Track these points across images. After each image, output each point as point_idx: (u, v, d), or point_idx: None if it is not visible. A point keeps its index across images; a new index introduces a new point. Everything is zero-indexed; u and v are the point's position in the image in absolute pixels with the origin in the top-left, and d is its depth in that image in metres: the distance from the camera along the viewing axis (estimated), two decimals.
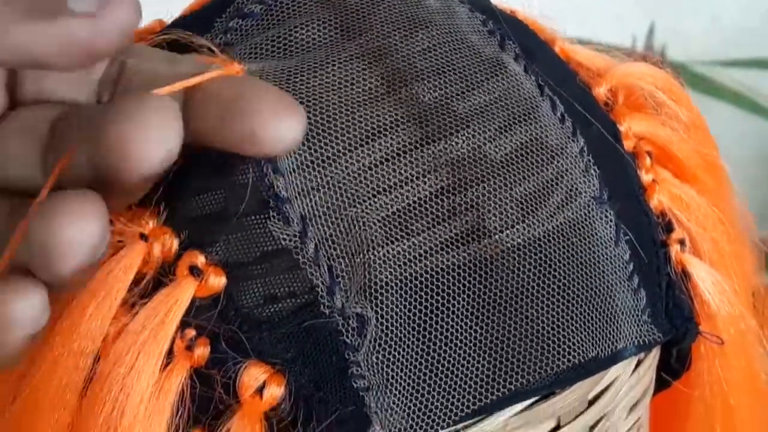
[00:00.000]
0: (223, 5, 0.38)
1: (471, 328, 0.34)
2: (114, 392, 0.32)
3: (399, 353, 0.33)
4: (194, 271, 0.33)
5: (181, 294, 0.33)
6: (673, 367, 0.42)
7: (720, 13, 1.30)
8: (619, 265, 0.37)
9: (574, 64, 0.43)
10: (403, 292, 0.33)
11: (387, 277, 0.33)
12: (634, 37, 1.22)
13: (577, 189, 0.37)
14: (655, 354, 0.41)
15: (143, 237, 0.33)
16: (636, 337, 0.37)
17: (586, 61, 0.43)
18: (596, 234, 0.37)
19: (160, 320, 0.32)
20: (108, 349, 0.32)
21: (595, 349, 0.35)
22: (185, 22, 0.40)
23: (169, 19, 0.41)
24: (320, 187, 0.34)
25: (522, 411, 0.35)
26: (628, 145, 0.41)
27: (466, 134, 0.35)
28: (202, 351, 0.33)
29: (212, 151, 0.32)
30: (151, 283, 0.33)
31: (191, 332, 0.33)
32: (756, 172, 1.28)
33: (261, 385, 0.33)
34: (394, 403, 0.33)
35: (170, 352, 0.33)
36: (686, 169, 0.42)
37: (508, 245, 0.35)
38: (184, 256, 0.33)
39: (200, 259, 0.33)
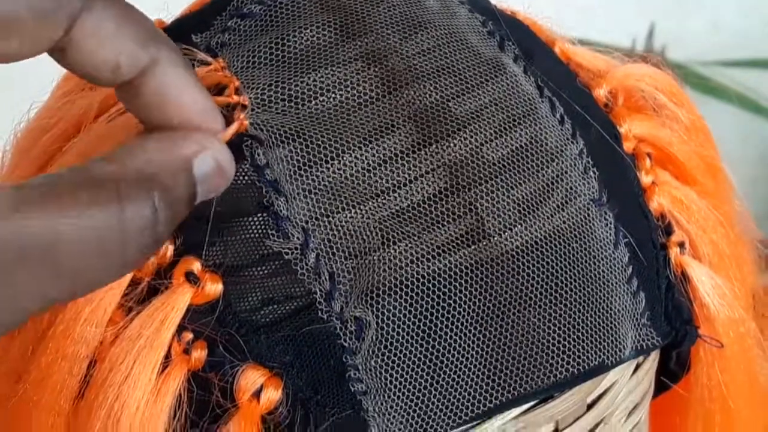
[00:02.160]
0: (222, 4, 0.38)
1: (471, 332, 0.33)
2: (110, 399, 0.31)
3: (398, 357, 0.33)
4: (191, 277, 0.33)
5: (178, 301, 0.32)
6: (672, 370, 0.42)
7: (720, 14, 1.30)
8: (618, 268, 0.37)
9: (574, 65, 0.43)
10: (401, 296, 0.33)
11: (386, 281, 0.33)
12: (634, 38, 1.22)
13: (576, 191, 0.37)
14: (654, 357, 0.40)
15: None
16: (635, 341, 0.37)
17: (586, 62, 0.43)
18: (595, 236, 0.36)
19: (157, 327, 0.32)
20: (104, 355, 0.32)
21: (595, 355, 0.35)
22: (184, 21, 0.40)
23: (169, 18, 0.41)
24: (318, 189, 0.34)
25: (520, 415, 0.35)
26: (628, 146, 0.40)
27: (465, 136, 0.35)
28: (200, 354, 0.33)
29: None
30: (146, 288, 0.33)
31: (188, 335, 0.33)
32: (757, 172, 1.28)
33: (258, 388, 0.33)
34: (392, 407, 0.33)
35: (167, 356, 0.33)
36: (686, 171, 0.42)
37: (507, 247, 0.34)
38: (180, 263, 0.33)
39: (196, 266, 0.33)
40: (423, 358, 0.33)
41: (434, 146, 0.34)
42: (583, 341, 0.35)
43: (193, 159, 0.29)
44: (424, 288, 0.33)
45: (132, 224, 0.27)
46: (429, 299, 0.33)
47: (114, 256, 0.27)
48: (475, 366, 0.34)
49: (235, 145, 0.34)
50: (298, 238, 0.33)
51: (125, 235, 0.27)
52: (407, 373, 0.33)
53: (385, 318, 0.33)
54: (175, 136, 0.30)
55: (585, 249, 0.36)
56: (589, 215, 0.36)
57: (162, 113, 0.30)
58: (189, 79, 0.31)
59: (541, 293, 0.34)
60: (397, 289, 0.33)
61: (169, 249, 0.34)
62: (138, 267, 0.31)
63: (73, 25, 0.28)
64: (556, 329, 0.34)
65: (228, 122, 0.34)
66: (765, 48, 1.27)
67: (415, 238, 0.34)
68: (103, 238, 0.26)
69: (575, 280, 0.35)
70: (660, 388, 0.43)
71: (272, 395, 0.33)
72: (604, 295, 0.36)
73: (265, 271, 0.33)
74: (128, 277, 0.33)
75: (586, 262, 0.36)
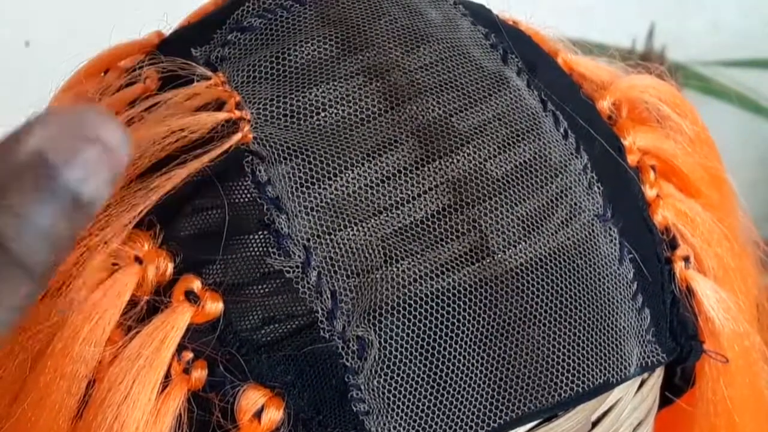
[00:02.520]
0: (222, 18, 0.37)
1: (474, 351, 0.33)
2: (109, 420, 0.31)
3: (400, 377, 0.33)
4: (191, 296, 0.32)
5: (178, 320, 0.32)
6: (676, 385, 0.41)
7: (720, 14, 1.30)
8: (623, 285, 0.36)
9: (577, 76, 0.42)
10: (404, 314, 0.33)
11: (388, 299, 0.33)
12: (634, 38, 1.22)
13: (580, 206, 0.36)
14: (659, 373, 0.40)
15: (137, 260, 0.33)
16: (640, 358, 0.36)
17: (590, 73, 0.42)
18: (600, 252, 0.36)
19: (156, 347, 0.32)
20: (103, 374, 0.32)
21: (600, 373, 0.35)
22: (184, 33, 0.39)
23: (167, 30, 0.41)
24: (320, 207, 0.33)
25: None
26: (632, 159, 0.40)
27: (468, 152, 0.34)
28: (200, 374, 0.33)
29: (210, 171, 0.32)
30: (146, 307, 0.32)
31: (188, 355, 0.33)
32: (757, 173, 1.28)
33: (259, 408, 0.32)
34: (395, 428, 0.33)
35: (167, 376, 0.32)
36: (691, 183, 0.42)
37: (512, 265, 0.34)
38: (180, 282, 0.33)
39: (196, 285, 0.33)
40: (426, 378, 0.33)
41: (437, 162, 0.34)
42: (588, 359, 0.34)
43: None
44: (428, 307, 0.33)
45: None
46: (432, 318, 0.33)
47: None
48: (478, 385, 0.33)
49: (236, 160, 0.34)
50: (299, 256, 0.33)
51: None
52: (410, 392, 0.33)
53: (387, 337, 0.33)
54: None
55: (589, 265, 0.35)
56: (593, 231, 0.36)
57: None
58: None
59: (545, 311, 0.34)
60: (400, 308, 0.33)
61: (168, 267, 0.33)
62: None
63: None
64: (561, 347, 0.34)
65: (228, 138, 0.33)
66: (765, 48, 1.27)
67: (418, 256, 0.33)
68: None
69: (580, 298, 0.35)
70: (664, 402, 0.42)
71: (273, 415, 0.32)
72: (608, 312, 0.35)
73: (266, 290, 0.33)
74: (127, 295, 0.32)
75: (590, 278, 0.35)
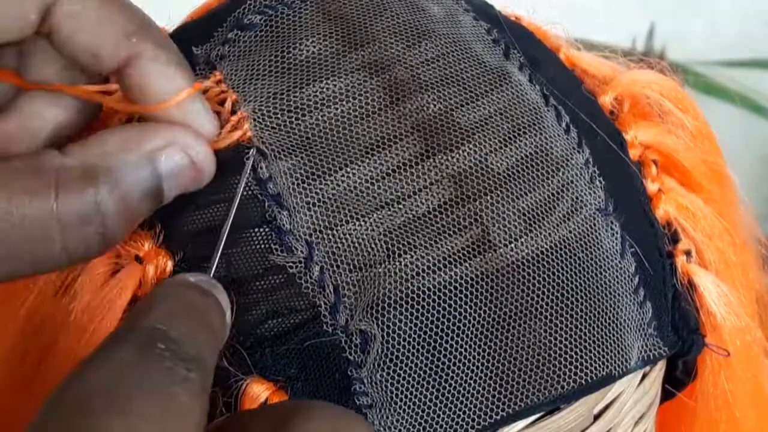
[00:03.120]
0: (224, 15, 0.37)
1: (476, 344, 0.33)
2: None
3: (403, 370, 0.33)
4: None
5: None
6: (678, 379, 0.42)
7: (720, 14, 1.30)
8: (624, 278, 0.36)
9: (579, 71, 0.42)
10: (407, 308, 0.33)
11: (391, 293, 0.33)
12: (634, 38, 1.22)
13: (582, 200, 0.36)
14: (660, 367, 0.40)
15: (138, 259, 0.33)
16: (641, 351, 0.36)
17: (592, 68, 0.42)
18: (602, 246, 0.36)
19: None
20: None
21: (602, 366, 0.35)
22: (186, 31, 0.39)
23: (170, 27, 0.41)
24: (322, 202, 0.33)
25: (526, 427, 0.35)
26: (633, 154, 0.40)
27: (470, 146, 0.35)
28: None
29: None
30: None
31: None
32: (757, 172, 1.28)
33: (263, 402, 0.32)
34: (398, 421, 0.33)
35: None
36: (692, 178, 0.42)
37: (513, 259, 0.34)
38: None
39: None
40: (429, 371, 0.33)
41: (439, 157, 0.34)
42: (590, 352, 0.35)
43: (158, 153, 0.30)
44: (430, 300, 0.33)
45: (68, 214, 0.28)
46: (434, 312, 0.33)
47: (50, 243, 0.28)
48: (481, 378, 0.33)
49: (237, 157, 0.34)
50: (301, 251, 0.33)
51: (62, 224, 0.28)
52: (413, 386, 0.33)
53: (390, 331, 0.33)
54: (144, 128, 0.31)
55: (591, 259, 0.35)
56: (595, 225, 0.36)
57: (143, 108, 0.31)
58: (172, 77, 0.31)
59: (547, 304, 0.34)
60: (402, 302, 0.33)
61: (168, 265, 0.33)
62: (89, 258, 0.31)
63: (50, 10, 0.29)
64: (562, 340, 0.34)
65: (228, 136, 0.33)
66: (765, 48, 1.27)
67: (421, 250, 0.33)
68: (36, 225, 0.28)
69: (581, 291, 0.35)
70: (665, 395, 0.42)
71: None
72: (610, 306, 0.36)
73: (269, 285, 0.33)
74: (129, 295, 0.32)
75: (592, 272, 0.35)
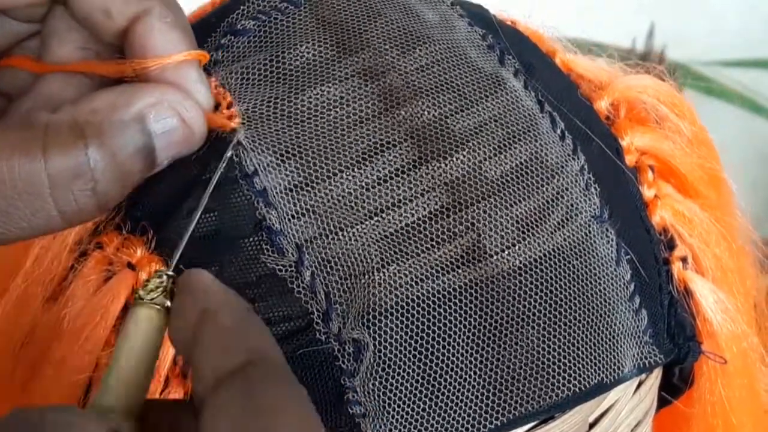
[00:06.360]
0: (217, 21, 0.37)
1: (471, 354, 0.33)
2: None
3: (396, 379, 0.33)
4: None
5: None
6: (674, 386, 0.41)
7: (720, 14, 1.29)
8: (620, 286, 0.36)
9: (575, 76, 0.42)
10: (400, 317, 0.33)
11: (383, 302, 0.33)
12: (634, 38, 1.22)
13: (577, 208, 0.36)
14: (656, 374, 0.40)
15: (131, 266, 0.33)
16: (637, 359, 0.36)
17: (588, 72, 0.42)
18: (597, 254, 0.36)
19: None
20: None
21: (596, 374, 0.34)
22: None
23: None
24: (315, 209, 0.33)
25: None
26: (629, 159, 0.40)
27: (464, 153, 0.34)
28: None
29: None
30: None
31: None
32: (757, 172, 1.28)
33: None
34: (390, 430, 0.33)
35: (166, 379, 0.32)
36: (689, 183, 0.42)
37: (508, 266, 0.34)
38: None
39: None
40: (422, 380, 0.33)
41: (433, 164, 0.34)
42: (584, 360, 0.34)
43: (147, 110, 0.30)
44: (423, 309, 0.33)
45: (57, 170, 0.28)
46: (428, 320, 0.33)
47: (40, 200, 0.28)
48: (474, 387, 0.33)
49: (229, 163, 0.33)
50: (292, 254, 0.33)
51: (52, 180, 0.28)
52: (406, 395, 0.33)
53: (383, 339, 0.33)
54: (134, 87, 0.31)
55: (586, 267, 0.35)
56: (590, 232, 0.36)
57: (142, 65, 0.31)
58: (175, 36, 0.32)
59: (541, 312, 0.34)
60: (395, 310, 0.33)
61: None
62: (84, 219, 0.31)
63: None
64: (557, 349, 0.34)
65: (220, 141, 0.33)
66: (765, 48, 1.26)
67: (414, 258, 0.33)
68: (25, 180, 0.28)
69: (576, 299, 0.35)
70: (662, 403, 0.42)
71: None
72: (605, 314, 0.35)
73: (262, 291, 0.33)
74: (122, 301, 0.32)
75: (587, 280, 0.35)
